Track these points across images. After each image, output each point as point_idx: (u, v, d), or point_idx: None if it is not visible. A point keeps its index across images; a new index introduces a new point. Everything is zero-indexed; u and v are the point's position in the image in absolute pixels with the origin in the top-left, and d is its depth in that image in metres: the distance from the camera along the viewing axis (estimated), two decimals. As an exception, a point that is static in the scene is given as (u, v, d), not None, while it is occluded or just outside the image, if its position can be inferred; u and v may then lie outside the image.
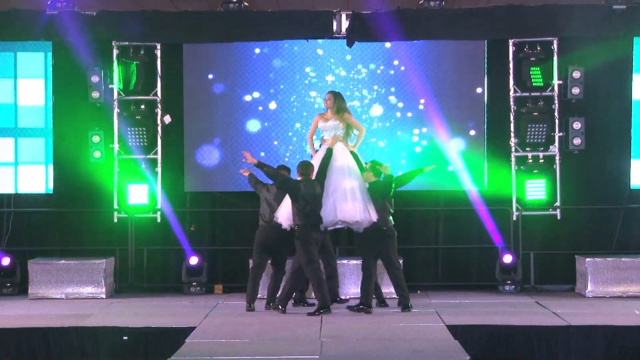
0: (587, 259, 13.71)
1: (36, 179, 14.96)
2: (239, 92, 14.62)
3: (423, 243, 14.80)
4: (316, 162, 12.30)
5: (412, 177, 12.65)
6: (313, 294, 12.18)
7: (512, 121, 14.56)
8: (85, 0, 14.06)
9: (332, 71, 14.61)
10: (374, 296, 12.32)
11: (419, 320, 11.48)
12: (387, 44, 14.47)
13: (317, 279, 11.90)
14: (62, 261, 13.87)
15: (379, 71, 14.60)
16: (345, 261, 13.60)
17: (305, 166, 12.17)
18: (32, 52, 14.91)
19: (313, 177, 12.08)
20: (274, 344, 10.05)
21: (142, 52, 14.55)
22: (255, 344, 10.10)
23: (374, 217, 12.08)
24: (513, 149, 14.57)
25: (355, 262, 13.35)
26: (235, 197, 14.51)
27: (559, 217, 14.56)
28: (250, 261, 12.75)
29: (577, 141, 14.37)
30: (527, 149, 14.56)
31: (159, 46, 14.62)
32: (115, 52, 14.53)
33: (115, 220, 14.67)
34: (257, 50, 14.61)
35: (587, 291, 13.64)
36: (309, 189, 11.93)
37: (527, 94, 14.53)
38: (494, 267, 14.28)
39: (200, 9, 14.33)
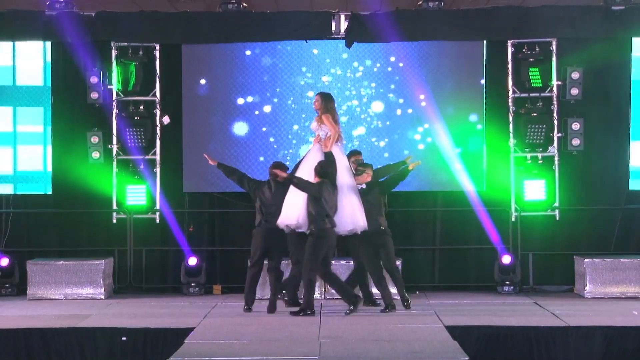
0: (586, 260, 13.72)
1: (35, 179, 14.98)
2: (238, 94, 14.59)
3: (422, 244, 14.80)
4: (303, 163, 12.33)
5: (394, 168, 12.77)
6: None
7: (511, 122, 14.56)
8: (84, 1, 14.05)
9: (328, 71, 14.59)
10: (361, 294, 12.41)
11: (417, 321, 11.48)
12: (384, 41, 14.46)
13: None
14: (61, 262, 13.87)
15: (375, 69, 14.58)
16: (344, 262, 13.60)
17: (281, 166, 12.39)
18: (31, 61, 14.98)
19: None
20: (273, 345, 10.04)
21: (140, 52, 14.55)
22: (254, 344, 10.10)
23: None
24: (512, 150, 14.57)
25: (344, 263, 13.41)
26: (234, 197, 14.50)
27: (557, 218, 14.57)
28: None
29: (575, 142, 14.38)
30: (526, 149, 14.57)
31: (157, 47, 14.62)
32: (114, 52, 14.54)
33: (114, 221, 14.67)
34: (249, 52, 14.57)
35: (585, 292, 13.65)
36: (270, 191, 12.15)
37: (526, 94, 14.54)
38: (492, 267, 14.28)
39: (199, 9, 14.33)
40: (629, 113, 14.58)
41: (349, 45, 14.11)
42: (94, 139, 14.48)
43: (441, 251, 14.81)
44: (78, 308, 12.79)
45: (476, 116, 14.53)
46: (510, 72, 14.54)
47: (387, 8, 13.95)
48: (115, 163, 14.61)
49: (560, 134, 14.50)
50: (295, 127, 14.58)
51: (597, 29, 14.01)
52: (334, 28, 14.19)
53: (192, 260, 14.22)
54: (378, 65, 14.60)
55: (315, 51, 14.60)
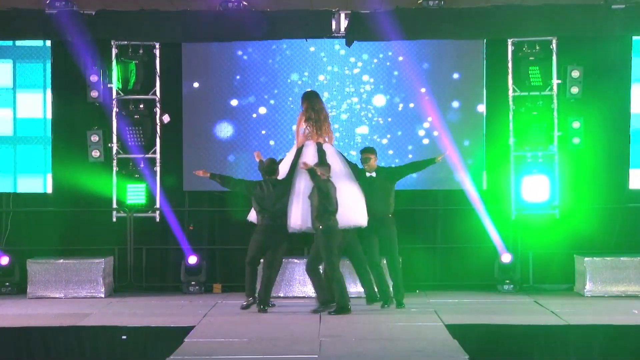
0: (586, 259, 13.72)
1: (36, 177, 14.96)
2: (237, 95, 14.59)
3: (422, 242, 14.79)
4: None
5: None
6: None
7: (511, 120, 14.56)
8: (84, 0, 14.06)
9: (325, 69, 14.56)
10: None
11: (417, 320, 11.49)
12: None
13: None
14: (61, 260, 13.87)
15: (372, 65, 14.56)
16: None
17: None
18: (32, 64, 14.91)
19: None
20: (273, 344, 10.04)
21: (141, 51, 14.55)
22: (254, 343, 10.10)
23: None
24: (512, 149, 14.57)
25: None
26: (234, 196, 14.49)
27: (557, 217, 14.56)
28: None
29: (576, 140, 14.38)
30: (526, 148, 14.56)
31: (157, 45, 14.62)
32: (114, 51, 14.54)
33: (114, 219, 14.67)
34: (241, 53, 14.57)
35: (585, 290, 13.65)
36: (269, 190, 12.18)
37: (526, 93, 14.53)
38: (492, 266, 14.27)
39: (200, 8, 14.31)
40: (629, 112, 14.57)
41: (349, 44, 14.10)
42: (94, 138, 14.47)
43: (441, 250, 14.81)
44: (78, 307, 12.80)
45: (476, 115, 14.52)
46: (510, 70, 14.54)
47: (388, 6, 13.92)
48: (115, 161, 14.61)
49: (560, 133, 14.49)
50: (294, 127, 14.56)
51: (597, 27, 13.99)
52: (334, 27, 14.18)
53: (192, 259, 14.22)
54: (375, 60, 14.58)
55: (312, 49, 14.58)
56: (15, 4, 13.96)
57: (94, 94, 14.37)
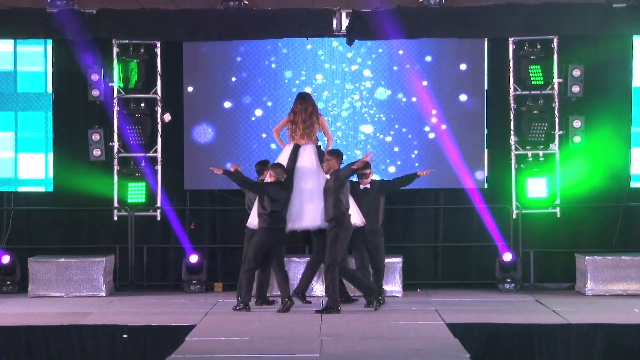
0: (587, 257, 13.71)
1: (36, 176, 14.97)
2: (236, 95, 14.58)
3: (423, 241, 14.79)
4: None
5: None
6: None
7: (512, 119, 14.56)
8: (86, -2, 14.09)
9: (322, 67, 14.54)
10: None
11: (418, 319, 11.48)
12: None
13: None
14: (62, 259, 13.86)
15: (369, 62, 14.54)
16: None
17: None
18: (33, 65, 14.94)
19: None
20: (274, 342, 10.05)
21: (142, 50, 14.55)
22: (255, 342, 10.10)
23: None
24: (513, 147, 14.57)
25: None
26: (235, 195, 14.49)
27: (558, 215, 14.56)
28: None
29: (577, 139, 14.38)
30: (528, 147, 14.57)
31: (159, 44, 14.63)
32: (115, 50, 14.55)
33: (115, 218, 14.68)
34: (238, 55, 14.56)
35: (586, 289, 13.64)
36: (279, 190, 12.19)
37: (527, 92, 14.54)
38: (494, 265, 14.27)
39: (201, 7, 14.33)
40: (630, 110, 14.56)
41: (350, 42, 14.11)
42: (95, 137, 14.48)
43: (442, 248, 14.81)
44: (79, 305, 12.79)
45: (477, 114, 14.52)
46: (511, 69, 14.53)
47: (389, 5, 13.94)
48: (116, 160, 14.62)
49: (561, 132, 14.50)
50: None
51: (598, 26, 14.02)
52: (335, 26, 14.19)
53: (193, 258, 14.22)
54: (373, 56, 14.55)
55: (309, 47, 14.56)
56: (16, 3, 13.99)
57: (95, 92, 14.39)
